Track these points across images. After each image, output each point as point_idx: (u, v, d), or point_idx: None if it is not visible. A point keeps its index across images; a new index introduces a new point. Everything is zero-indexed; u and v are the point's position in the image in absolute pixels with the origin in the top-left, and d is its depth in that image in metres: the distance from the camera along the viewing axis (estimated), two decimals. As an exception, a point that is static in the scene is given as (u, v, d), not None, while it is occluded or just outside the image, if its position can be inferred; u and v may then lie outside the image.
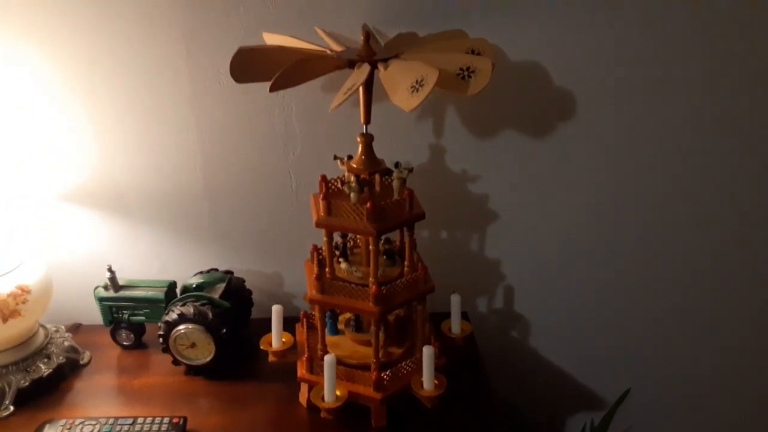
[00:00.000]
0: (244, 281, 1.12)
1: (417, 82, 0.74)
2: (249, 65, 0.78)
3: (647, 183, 1.15)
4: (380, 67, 0.81)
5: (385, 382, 0.90)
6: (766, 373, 1.31)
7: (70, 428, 0.86)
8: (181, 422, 0.88)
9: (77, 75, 1.04)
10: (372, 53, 0.83)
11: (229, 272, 1.11)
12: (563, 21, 1.03)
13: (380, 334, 0.91)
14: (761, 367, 1.30)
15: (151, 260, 1.16)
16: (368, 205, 0.83)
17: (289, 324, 1.00)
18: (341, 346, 0.98)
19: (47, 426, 0.87)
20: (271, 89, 0.73)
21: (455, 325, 1.02)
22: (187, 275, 1.09)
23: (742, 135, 1.12)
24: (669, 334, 1.28)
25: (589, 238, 1.19)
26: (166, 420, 0.88)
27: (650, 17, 1.03)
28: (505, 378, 1.28)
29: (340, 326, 1.02)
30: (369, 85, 0.86)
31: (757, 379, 1.31)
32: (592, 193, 1.16)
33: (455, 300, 1.01)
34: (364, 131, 0.89)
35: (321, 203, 0.87)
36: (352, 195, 0.87)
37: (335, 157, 0.94)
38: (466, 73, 0.79)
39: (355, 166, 0.90)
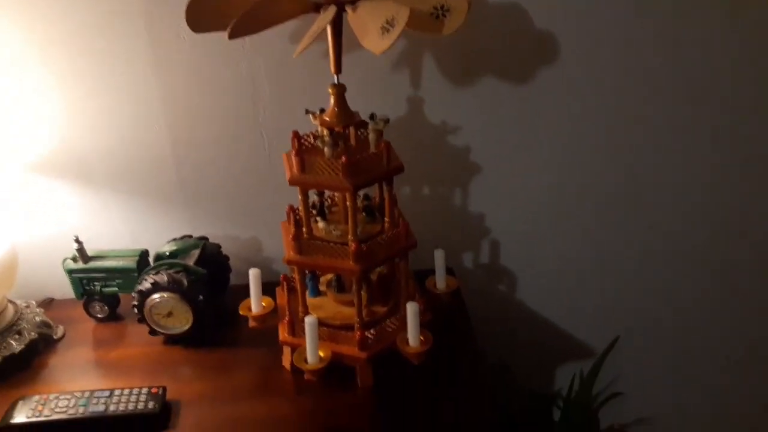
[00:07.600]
0: (219, 247, 1.08)
1: (387, 22, 0.69)
2: (206, 11, 0.73)
3: (634, 133, 1.11)
4: (348, 9, 0.76)
5: (369, 340, 0.88)
6: (755, 318, 1.31)
7: (44, 404, 0.83)
8: (160, 392, 0.85)
9: (35, 41, 0.97)
10: (340, -5, 0.78)
11: (203, 238, 1.07)
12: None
13: (362, 293, 0.88)
14: (750, 311, 1.30)
15: (122, 230, 1.11)
16: (343, 159, 0.79)
17: (269, 289, 0.97)
18: (324, 307, 0.95)
19: (20, 403, 0.83)
20: (230, 36, 0.68)
21: (440, 281, 1.00)
22: (159, 244, 1.05)
23: (733, 81, 1.08)
24: (656, 281, 1.27)
25: (575, 190, 1.16)
26: (144, 390, 0.85)
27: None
28: (493, 333, 1.26)
29: (322, 288, 0.99)
30: (338, 30, 0.81)
31: (747, 324, 1.31)
32: (577, 144, 1.12)
33: (439, 255, 0.98)
34: (336, 81, 0.85)
35: (294, 160, 0.83)
36: (325, 149, 0.83)
37: (307, 111, 0.89)
38: (440, 12, 0.75)
39: (327, 119, 0.86)
